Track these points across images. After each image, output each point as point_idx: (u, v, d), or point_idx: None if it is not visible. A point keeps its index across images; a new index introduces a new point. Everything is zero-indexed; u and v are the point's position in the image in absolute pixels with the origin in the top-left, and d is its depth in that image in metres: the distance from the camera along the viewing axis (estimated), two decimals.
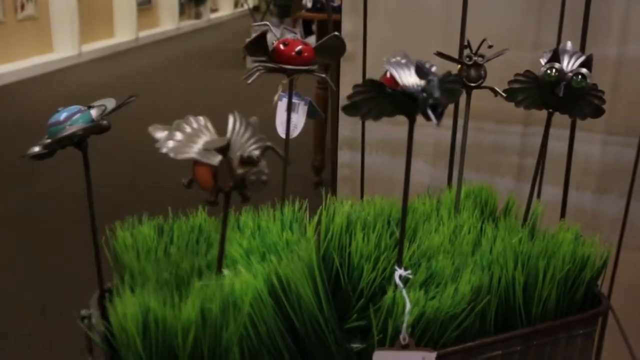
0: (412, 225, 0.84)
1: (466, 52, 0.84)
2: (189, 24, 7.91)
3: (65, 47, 5.19)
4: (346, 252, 0.78)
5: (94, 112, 0.71)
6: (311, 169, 2.87)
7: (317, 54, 0.79)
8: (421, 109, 0.60)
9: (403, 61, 0.67)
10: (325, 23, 2.37)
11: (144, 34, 6.49)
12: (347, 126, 1.48)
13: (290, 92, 0.81)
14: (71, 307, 1.61)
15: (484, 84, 0.84)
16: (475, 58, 0.82)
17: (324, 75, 0.80)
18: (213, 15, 8.85)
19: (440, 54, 0.83)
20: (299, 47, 0.77)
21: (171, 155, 0.60)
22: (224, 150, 0.58)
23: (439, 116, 0.58)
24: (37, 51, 5.01)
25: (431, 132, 1.44)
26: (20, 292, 1.73)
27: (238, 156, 0.59)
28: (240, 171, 0.58)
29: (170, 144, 0.60)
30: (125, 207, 2.12)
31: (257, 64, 0.78)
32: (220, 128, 0.66)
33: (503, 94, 0.81)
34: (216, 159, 0.60)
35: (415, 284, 0.73)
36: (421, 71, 0.60)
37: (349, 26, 1.37)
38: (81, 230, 2.08)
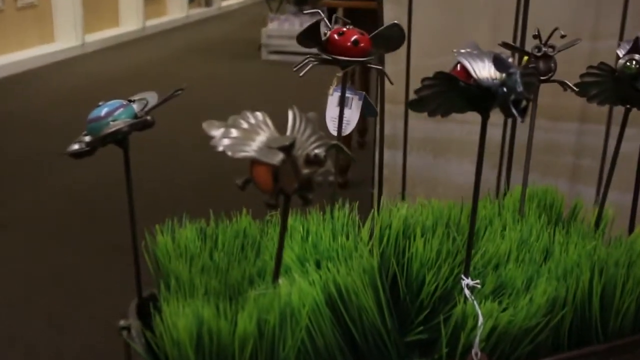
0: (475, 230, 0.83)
1: (533, 43, 0.83)
2: (199, 12, 7.94)
3: (67, 37, 5.21)
4: (405, 260, 0.77)
5: (135, 107, 0.71)
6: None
7: (373, 44, 0.78)
8: (501, 105, 0.59)
9: (475, 52, 0.67)
10: (353, 11, 2.36)
11: (151, 23, 6.51)
12: (386, 123, 1.48)
13: (344, 85, 0.80)
14: (80, 314, 1.62)
15: (553, 78, 0.83)
16: (545, 49, 0.81)
17: (381, 68, 0.79)
18: (224, 3, 8.87)
19: (506, 45, 0.82)
20: (355, 37, 0.77)
21: (228, 153, 0.59)
22: (289, 149, 0.58)
23: (523, 113, 0.58)
24: (38, 41, 5.05)
25: (477, 130, 1.43)
26: (27, 296, 1.74)
27: (303, 155, 0.58)
28: (305, 171, 0.57)
29: (226, 141, 0.60)
30: (159, 209, 2.12)
31: (308, 56, 0.78)
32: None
33: (575, 89, 0.80)
34: (278, 158, 0.60)
35: (483, 295, 0.72)
36: (501, 63, 0.60)
37: (391, 14, 1.37)
38: (92, 232, 2.09)
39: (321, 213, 0.84)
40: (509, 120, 1.23)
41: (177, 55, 5.28)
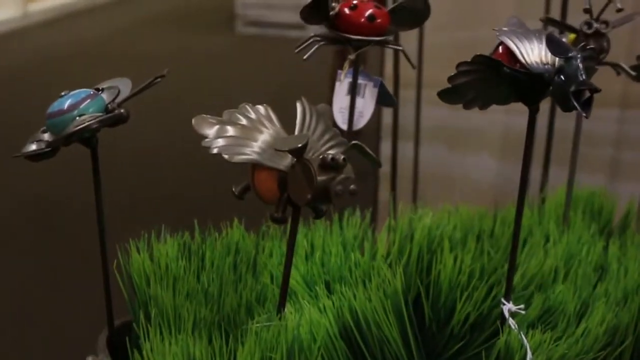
0: (510, 243, 0.81)
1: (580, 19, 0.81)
2: None
3: (6, 6, 5.14)
4: (430, 279, 0.75)
5: (105, 97, 0.68)
6: None
7: (392, 20, 0.75)
8: (558, 96, 0.57)
9: (520, 30, 0.64)
10: None
11: None
12: (389, 109, 1.45)
13: (356, 69, 0.77)
14: (36, 347, 1.57)
15: (605, 60, 0.80)
16: (596, 25, 0.79)
17: (401, 48, 0.76)
18: None
19: (549, 20, 0.79)
20: (371, 12, 0.74)
21: (225, 156, 0.56)
22: (301, 151, 0.54)
23: (587, 106, 0.55)
24: None
25: (499, 119, 1.41)
26: None
27: (317, 158, 0.55)
28: (321, 178, 0.54)
29: (221, 142, 0.57)
30: (133, 220, 2.05)
31: (313, 36, 0.74)
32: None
33: (631, 72, 0.78)
34: (286, 162, 0.57)
35: (527, 322, 0.70)
36: (557, 45, 0.57)
37: None
38: (50, 248, 2.03)
39: (327, 222, 0.81)
40: (544, 107, 1.21)
41: (137, 27, 5.22)
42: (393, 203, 0.88)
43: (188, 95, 3.21)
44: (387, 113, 1.47)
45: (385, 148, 1.44)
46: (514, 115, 1.37)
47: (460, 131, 1.44)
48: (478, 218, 0.84)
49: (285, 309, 0.63)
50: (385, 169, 1.45)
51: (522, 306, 0.68)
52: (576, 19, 0.87)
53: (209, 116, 0.58)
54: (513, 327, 0.66)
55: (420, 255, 0.77)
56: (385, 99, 0.81)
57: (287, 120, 0.62)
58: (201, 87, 3.48)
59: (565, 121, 1.10)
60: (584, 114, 0.55)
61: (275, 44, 4.30)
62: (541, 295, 0.72)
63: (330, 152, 0.58)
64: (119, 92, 0.68)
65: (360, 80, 0.79)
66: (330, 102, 1.57)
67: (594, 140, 1.37)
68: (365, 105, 0.80)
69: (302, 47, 0.75)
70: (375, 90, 0.80)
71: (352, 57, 0.75)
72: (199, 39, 4.80)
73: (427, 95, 1.29)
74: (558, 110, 1.00)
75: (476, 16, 1.44)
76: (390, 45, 0.76)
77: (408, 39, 1.26)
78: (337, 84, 0.80)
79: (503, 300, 0.69)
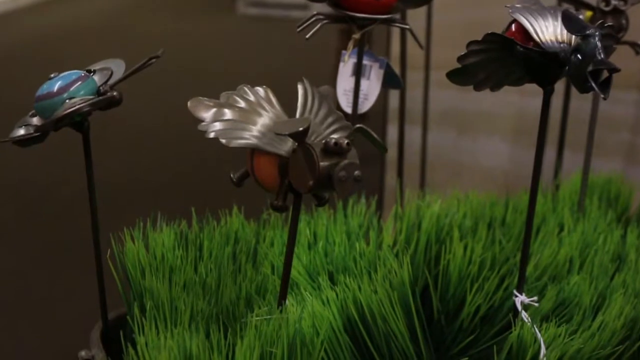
0: (523, 231, 0.80)
1: None
2: None
3: None
4: (439, 270, 0.74)
5: (97, 79, 0.67)
6: None
7: None
8: (575, 76, 0.55)
9: (534, 7, 0.63)
10: None
11: None
12: (396, 92, 1.44)
13: (361, 49, 0.76)
14: (27, 340, 1.56)
15: (624, 39, 0.79)
16: (614, 2, 0.77)
17: (408, 27, 0.75)
18: None
19: None
20: None
21: (222, 141, 0.55)
22: (303, 135, 0.53)
23: (606, 87, 0.54)
24: None
25: (512, 101, 1.40)
26: None
27: (319, 143, 0.54)
28: (324, 164, 0.53)
29: (218, 126, 0.56)
30: (128, 207, 2.04)
31: (316, 14, 0.73)
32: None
33: None
34: (287, 147, 0.56)
35: (540, 314, 0.69)
36: (573, 22, 0.56)
37: None
38: (40, 236, 2.02)
39: (331, 210, 0.81)
40: (558, 88, 1.20)
41: (132, 9, 5.20)
42: (400, 190, 0.87)
43: (186, 78, 3.20)
44: (393, 96, 1.46)
45: (392, 132, 1.43)
46: (527, 96, 1.36)
47: (470, 114, 1.43)
48: (489, 205, 0.82)
49: (287, 301, 0.62)
50: (391, 154, 1.44)
51: (535, 298, 0.68)
52: None
53: (205, 99, 0.57)
54: (526, 320, 0.65)
55: (429, 244, 0.77)
56: (391, 80, 0.80)
57: (289, 103, 0.61)
58: (201, 69, 3.46)
59: (581, 103, 1.09)
60: (602, 95, 0.54)
61: (278, 25, 4.28)
62: (555, 287, 0.71)
63: (334, 136, 0.57)
64: (111, 73, 0.67)
65: (365, 61, 0.78)
66: (334, 84, 1.56)
67: (611, 123, 1.36)
68: (371, 88, 0.79)
69: (304, 26, 0.74)
70: (381, 72, 0.78)
71: (356, 36, 0.74)
72: (198, 20, 4.78)
73: (435, 77, 1.28)
74: (573, 91, 0.99)
75: None
76: (397, 24, 0.75)
77: (415, 17, 1.24)
78: (341, 64, 0.79)
79: (515, 292, 0.68)
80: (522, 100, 1.40)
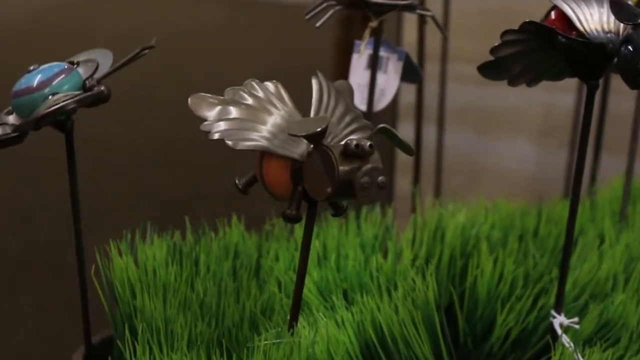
0: (558, 244, 0.80)
1: None
2: None
3: None
4: (465, 287, 0.74)
5: (82, 72, 0.67)
6: None
7: None
8: (625, 70, 0.56)
9: None
10: None
11: None
12: (409, 86, 1.45)
13: (378, 40, 0.76)
14: None
15: None
16: None
17: (431, 14, 0.75)
18: None
19: None
20: None
21: (228, 143, 0.56)
22: (320, 137, 0.53)
23: None
24: None
25: (538, 97, 1.40)
26: None
27: (338, 145, 0.54)
28: (344, 168, 0.53)
29: (223, 125, 0.56)
30: (115, 217, 2.01)
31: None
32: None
33: None
34: (301, 150, 0.56)
35: (582, 338, 0.69)
36: (623, 9, 0.56)
37: None
38: (16, 248, 2.01)
39: (342, 219, 0.81)
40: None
41: None
42: (418, 197, 0.87)
43: (174, 71, 3.19)
44: (405, 90, 1.45)
45: (403, 131, 1.42)
46: (555, 92, 1.36)
47: (491, 112, 1.43)
48: (520, 215, 0.83)
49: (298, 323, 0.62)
50: (403, 156, 1.45)
51: (576, 319, 0.68)
52: None
53: (208, 95, 0.57)
54: (567, 344, 0.65)
55: (453, 258, 0.77)
56: (409, 73, 0.80)
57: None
58: (188, 59, 3.46)
59: (618, 99, 1.10)
60: None
61: (272, 11, 4.29)
62: (597, 307, 0.71)
63: (354, 137, 0.57)
64: (97, 66, 0.67)
65: (381, 53, 0.78)
66: (336, 75, 1.57)
67: None
68: (388, 82, 0.79)
69: (313, 12, 0.74)
70: (400, 64, 0.79)
71: (373, 24, 0.74)
72: (180, 4, 4.79)
73: (451, 70, 1.28)
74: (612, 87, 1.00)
75: None
76: (419, 11, 0.75)
77: (429, 3, 1.25)
78: (355, 56, 0.79)
79: (553, 312, 0.68)
80: (549, 96, 1.40)
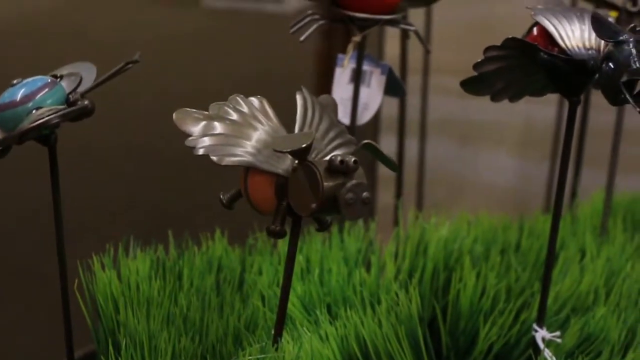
0: (540, 258, 0.81)
1: None
2: None
3: None
4: (448, 300, 0.75)
5: (65, 86, 0.67)
6: None
7: None
8: (606, 87, 0.56)
9: (559, 8, 0.64)
10: None
11: None
12: (392, 100, 1.45)
13: (361, 54, 0.77)
14: None
15: None
16: None
17: (414, 29, 0.76)
18: None
19: None
20: None
21: (213, 158, 0.56)
22: (305, 153, 0.54)
23: None
24: None
25: (519, 110, 1.41)
26: None
27: (323, 161, 0.54)
28: (329, 184, 0.53)
29: (208, 141, 0.57)
30: (97, 231, 2.00)
31: (311, 13, 0.74)
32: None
33: None
34: (285, 166, 0.56)
35: (563, 352, 0.70)
36: (604, 27, 0.57)
37: None
38: (7, 261, 1.98)
39: (326, 233, 0.81)
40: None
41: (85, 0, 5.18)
42: (401, 210, 0.88)
43: (151, 82, 3.18)
44: (387, 102, 1.46)
45: (385, 143, 1.43)
46: (537, 104, 1.37)
47: (472, 124, 1.44)
48: (502, 228, 0.84)
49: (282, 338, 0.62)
50: (385, 168, 1.45)
51: (557, 333, 0.68)
52: None
53: (193, 110, 0.58)
54: (549, 358, 0.66)
55: (436, 272, 0.77)
56: (393, 88, 0.81)
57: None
58: (170, 68, 3.44)
59: (599, 113, 1.11)
60: (638, 109, 0.55)
61: (249, 20, 4.28)
62: (579, 320, 0.72)
63: (338, 152, 0.58)
64: (81, 79, 0.67)
65: (365, 67, 0.79)
66: (317, 82, 1.57)
67: (632, 136, 1.37)
68: (371, 96, 0.79)
69: (297, 26, 0.75)
70: (383, 78, 0.79)
71: (357, 38, 0.75)
72: (158, 12, 4.77)
73: (433, 82, 1.29)
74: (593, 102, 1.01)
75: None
76: (402, 25, 0.76)
77: (412, 15, 1.26)
78: (338, 70, 0.79)
79: (535, 326, 0.69)
80: (530, 108, 1.41)
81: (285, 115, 0.63)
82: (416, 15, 1.23)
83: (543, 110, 1.30)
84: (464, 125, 1.45)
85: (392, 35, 1.26)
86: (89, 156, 2.62)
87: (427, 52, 0.83)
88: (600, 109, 1.26)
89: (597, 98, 0.82)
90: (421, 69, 1.26)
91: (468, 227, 0.82)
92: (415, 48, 1.13)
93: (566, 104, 0.65)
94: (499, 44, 0.60)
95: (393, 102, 1.39)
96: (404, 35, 0.97)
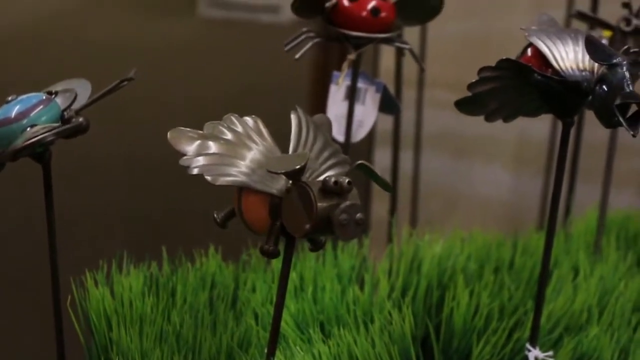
0: (533, 276, 0.81)
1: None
2: None
3: None
4: (441, 319, 0.75)
5: (60, 103, 0.67)
6: None
7: (399, 14, 0.75)
8: (600, 109, 0.57)
9: (552, 30, 0.64)
10: None
11: None
12: (386, 115, 1.45)
13: (356, 72, 0.77)
14: None
15: None
16: (636, 22, 0.79)
17: (409, 47, 0.76)
18: None
19: (581, 15, 0.80)
20: (374, 4, 0.74)
21: (208, 178, 0.56)
22: (299, 174, 0.54)
23: (635, 122, 0.55)
24: None
25: (514, 125, 1.41)
26: None
27: (316, 182, 0.54)
28: (322, 205, 0.53)
29: (202, 161, 0.57)
30: (91, 247, 1.99)
31: (306, 31, 0.74)
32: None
33: None
34: (279, 186, 0.56)
35: None
36: (598, 49, 0.57)
37: None
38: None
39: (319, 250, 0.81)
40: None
41: (77, 7, 5.17)
42: (395, 227, 0.88)
43: (145, 91, 3.17)
44: (382, 117, 1.46)
45: (380, 158, 1.43)
46: (531, 119, 1.37)
47: (467, 138, 1.44)
48: (495, 246, 0.84)
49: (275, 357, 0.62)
50: None
51: (550, 353, 0.69)
52: (608, 11, 0.87)
53: (188, 129, 0.58)
54: None
55: (429, 289, 0.77)
56: (388, 105, 0.81)
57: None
58: (163, 78, 3.43)
59: (593, 129, 1.11)
60: (631, 132, 0.55)
61: (245, 30, 4.28)
62: (572, 340, 0.72)
63: (332, 173, 0.58)
64: (75, 96, 0.67)
65: (360, 84, 0.79)
66: (310, 96, 1.56)
67: (624, 150, 1.37)
68: (366, 114, 0.79)
69: (293, 44, 0.75)
70: (378, 96, 0.79)
71: (351, 57, 0.75)
72: (152, 23, 4.76)
73: (427, 96, 1.29)
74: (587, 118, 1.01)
75: (487, 4, 1.44)
76: (397, 44, 0.76)
77: (406, 30, 1.26)
78: (333, 88, 0.79)
79: (528, 346, 0.69)
80: (524, 123, 1.40)
81: (280, 124, 0.63)
82: (411, 31, 1.24)
83: (538, 125, 1.30)
84: (459, 140, 1.45)
85: (387, 49, 1.26)
86: (82, 166, 2.61)
87: (422, 70, 0.83)
88: (594, 124, 1.27)
89: (591, 113, 0.82)
90: (416, 82, 1.26)
91: (462, 244, 0.82)
92: (410, 61, 1.13)
93: (558, 121, 0.65)
94: (494, 59, 0.61)
95: (388, 116, 1.40)
96: (399, 52, 0.97)
